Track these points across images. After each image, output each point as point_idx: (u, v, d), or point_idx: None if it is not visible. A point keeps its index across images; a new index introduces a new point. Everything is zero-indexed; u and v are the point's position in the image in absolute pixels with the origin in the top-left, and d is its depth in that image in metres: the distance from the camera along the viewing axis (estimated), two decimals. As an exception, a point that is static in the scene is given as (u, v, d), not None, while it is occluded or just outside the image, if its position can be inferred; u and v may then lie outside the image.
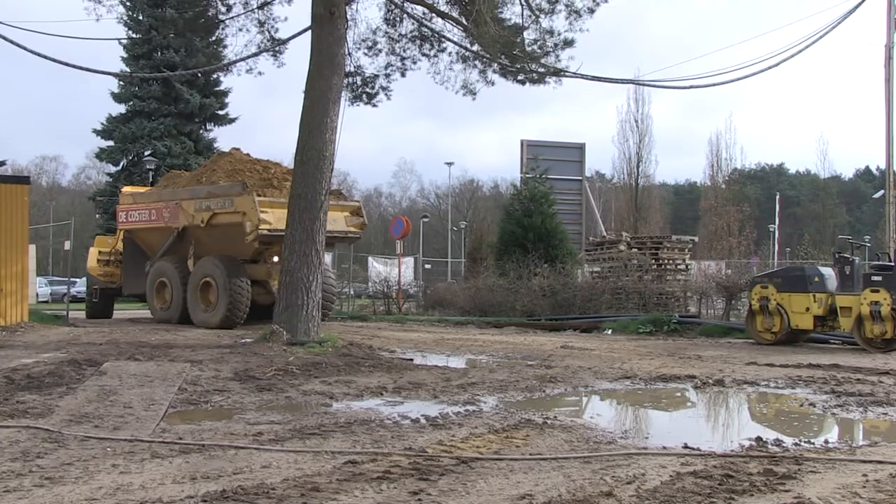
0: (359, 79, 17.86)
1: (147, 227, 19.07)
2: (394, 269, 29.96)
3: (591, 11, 16.39)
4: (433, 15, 17.34)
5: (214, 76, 39.10)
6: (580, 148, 30.63)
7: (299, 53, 13.96)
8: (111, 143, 40.46)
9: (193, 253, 18.08)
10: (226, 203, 17.01)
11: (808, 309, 14.28)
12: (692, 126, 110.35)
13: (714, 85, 20.59)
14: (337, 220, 17.58)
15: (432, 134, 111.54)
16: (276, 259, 17.11)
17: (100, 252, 21.03)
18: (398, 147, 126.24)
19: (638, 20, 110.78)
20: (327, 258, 19.36)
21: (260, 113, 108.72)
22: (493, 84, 17.71)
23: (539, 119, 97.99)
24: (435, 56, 17.72)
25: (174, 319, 18.19)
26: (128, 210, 19.59)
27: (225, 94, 41.62)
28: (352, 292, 31.22)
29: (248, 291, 17.09)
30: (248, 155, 19.18)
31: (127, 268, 20.10)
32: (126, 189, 21.81)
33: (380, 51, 17.80)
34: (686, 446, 5.94)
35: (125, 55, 39.90)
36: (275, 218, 16.16)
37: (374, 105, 18.20)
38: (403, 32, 17.77)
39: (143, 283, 19.35)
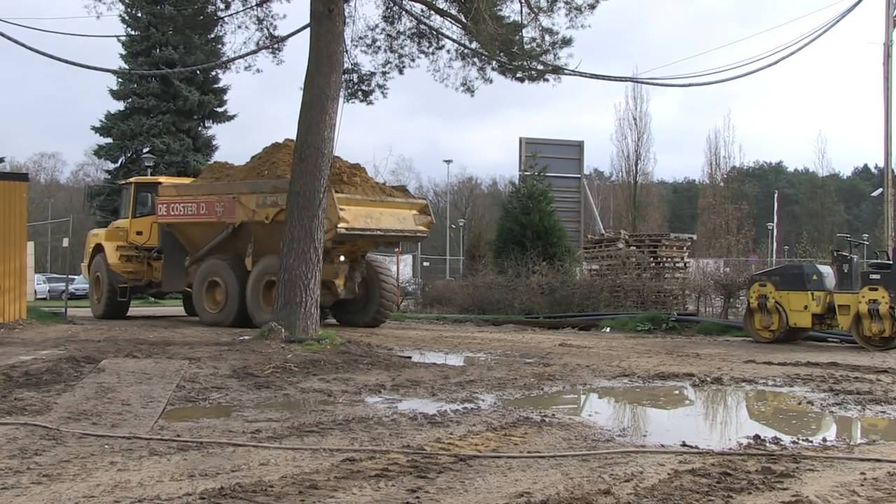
0: (355, 76, 17.83)
1: (192, 221, 17.65)
2: (392, 267, 29.94)
3: (592, 8, 16.35)
4: (432, 12, 17.32)
5: (213, 73, 38.99)
6: (579, 145, 30.62)
7: (299, 51, 13.90)
8: (109, 140, 40.33)
9: (253, 251, 16.75)
10: None
11: (806, 307, 14.30)
12: (693, 123, 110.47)
13: (712, 83, 20.61)
14: (405, 219, 17.12)
15: (434, 131, 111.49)
16: (342, 259, 16.77)
17: (118, 247, 19.60)
18: (399, 145, 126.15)
19: (642, 18, 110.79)
20: (381, 258, 18.60)
21: (262, 109, 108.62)
22: (491, 81, 17.69)
23: (541, 116, 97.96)
24: (433, 53, 17.70)
25: (227, 321, 16.81)
26: (170, 203, 17.96)
27: (224, 91, 41.51)
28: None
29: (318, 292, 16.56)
30: None
31: (168, 264, 18.72)
32: (167, 180, 20.41)
33: (378, 48, 17.78)
34: (684, 444, 5.95)
35: (124, 52, 39.77)
36: (351, 215, 15.66)
37: (371, 102, 18.15)
38: (402, 30, 17.75)
39: (183, 279, 18.49)
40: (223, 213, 17.03)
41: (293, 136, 13.94)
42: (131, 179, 21.46)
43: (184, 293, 20.45)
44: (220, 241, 17.26)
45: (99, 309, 19.76)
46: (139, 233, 19.71)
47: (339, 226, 15.34)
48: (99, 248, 19.91)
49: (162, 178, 21.32)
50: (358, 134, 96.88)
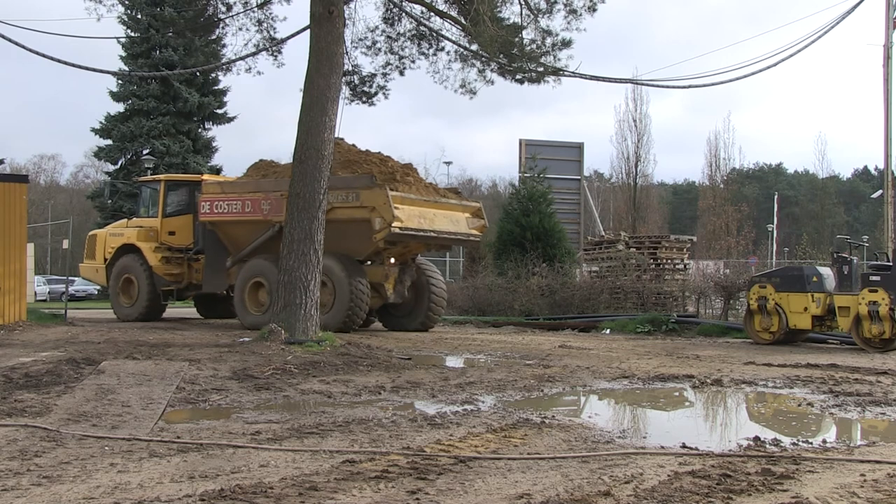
0: (356, 78, 17.86)
1: (237, 219, 16.96)
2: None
3: (591, 10, 16.39)
4: (432, 14, 17.35)
5: (213, 75, 39.01)
6: (579, 147, 30.65)
7: (301, 52, 13.88)
8: (109, 141, 40.37)
9: None
10: (350, 197, 15.36)
11: (806, 309, 14.30)
12: (697, 124, 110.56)
13: (712, 84, 20.69)
14: (459, 222, 16.62)
15: (436, 133, 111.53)
16: (392, 260, 16.31)
17: (156, 247, 18.68)
18: (401, 146, 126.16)
19: (647, 20, 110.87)
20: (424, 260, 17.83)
21: (266, 111, 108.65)
22: (491, 83, 17.74)
23: (544, 118, 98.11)
24: (433, 55, 17.74)
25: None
26: (213, 200, 17.21)
27: (224, 92, 41.56)
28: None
29: (368, 294, 15.73)
30: (354, 146, 17.43)
31: (209, 264, 18.04)
32: (210, 177, 19.65)
33: (378, 50, 17.82)
34: (684, 446, 5.95)
35: (124, 54, 39.83)
36: (405, 215, 15.16)
37: (372, 104, 18.19)
38: (402, 31, 17.79)
39: (224, 280, 17.81)
40: (269, 211, 16.40)
41: (303, 137, 13.51)
42: (160, 177, 20.53)
43: (198, 294, 19.71)
44: (265, 240, 16.63)
45: (134, 312, 18.83)
46: (172, 233, 18.94)
47: (393, 225, 14.82)
48: (129, 249, 19.00)
49: (206, 176, 20.26)
50: (360, 136, 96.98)
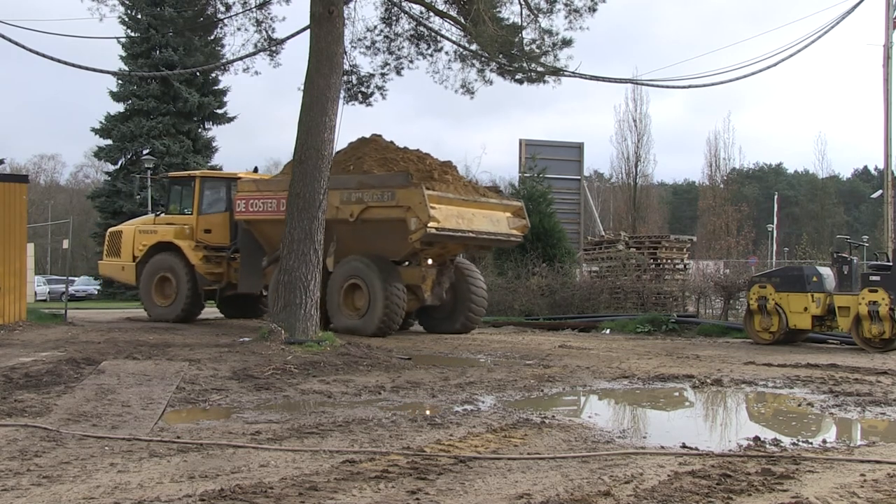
0: (354, 77, 17.86)
1: (272, 218, 16.22)
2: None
3: (591, 10, 16.41)
4: (431, 14, 17.36)
5: (213, 75, 39.05)
6: (579, 147, 30.64)
7: (301, 52, 13.84)
8: (109, 141, 40.42)
9: (335, 250, 15.65)
10: (385, 196, 14.82)
11: (806, 309, 14.30)
12: (697, 124, 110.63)
13: (712, 84, 20.66)
14: (499, 222, 15.98)
15: (438, 133, 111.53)
16: (430, 261, 15.76)
17: (195, 246, 18.03)
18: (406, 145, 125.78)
19: (649, 19, 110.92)
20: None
21: (268, 111, 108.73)
22: (491, 83, 17.76)
23: (546, 118, 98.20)
24: (432, 55, 17.76)
25: None
26: (248, 199, 16.73)
27: (223, 92, 41.60)
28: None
29: (404, 299, 15.15)
30: (392, 143, 16.80)
31: (245, 264, 17.47)
32: (246, 175, 19.00)
33: (377, 50, 17.83)
34: (684, 446, 5.95)
35: (124, 54, 39.87)
36: (442, 215, 14.55)
37: (370, 104, 18.18)
38: (400, 31, 17.81)
39: (260, 280, 17.28)
40: None
41: (303, 137, 13.34)
42: (195, 172, 19.83)
43: (218, 292, 18.85)
44: None
45: (171, 313, 18.05)
46: (207, 230, 18.31)
47: (429, 225, 14.30)
48: (165, 247, 18.29)
49: (242, 173, 19.40)
50: (361, 135, 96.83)
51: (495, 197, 16.69)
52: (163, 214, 19.23)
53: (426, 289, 15.79)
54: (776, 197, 61.15)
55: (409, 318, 16.56)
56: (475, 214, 15.48)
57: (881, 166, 26.45)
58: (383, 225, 15.01)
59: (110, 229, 20.70)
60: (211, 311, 19.95)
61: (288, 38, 17.08)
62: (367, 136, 16.72)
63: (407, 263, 15.87)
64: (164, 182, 22.21)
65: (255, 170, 20.26)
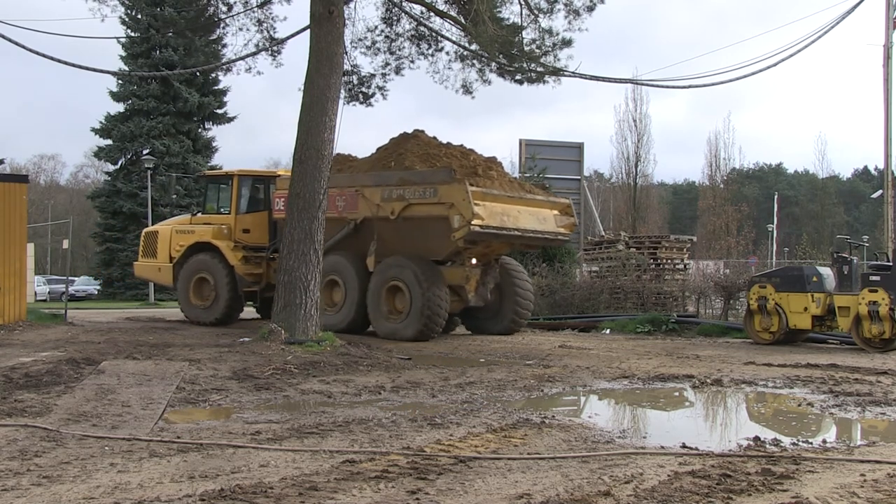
0: (355, 78, 17.84)
1: None
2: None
3: (589, 10, 16.40)
4: (431, 14, 17.36)
5: (213, 75, 39.04)
6: (578, 147, 30.61)
7: (300, 52, 13.79)
8: (109, 141, 40.44)
9: (375, 249, 15.29)
10: (427, 192, 14.33)
11: (806, 309, 14.30)
12: (698, 124, 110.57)
13: (712, 84, 20.71)
14: (546, 220, 15.39)
15: (441, 132, 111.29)
16: (474, 261, 15.27)
17: (234, 246, 17.50)
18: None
19: (652, 19, 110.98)
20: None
21: (271, 111, 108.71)
22: (490, 83, 17.74)
23: (547, 118, 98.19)
24: (433, 55, 17.75)
25: (343, 324, 15.26)
26: (287, 197, 15.57)
27: (224, 92, 41.62)
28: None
29: (447, 301, 14.64)
30: (434, 138, 16.31)
31: None
32: (285, 173, 18.10)
33: (378, 50, 17.82)
34: (684, 446, 5.95)
35: (124, 54, 39.90)
36: (487, 213, 14.04)
37: (370, 105, 18.15)
38: (401, 31, 17.80)
39: None
40: (345, 207, 15.53)
41: (303, 137, 13.20)
42: (232, 171, 19.00)
43: (258, 293, 17.97)
44: (340, 238, 15.72)
45: (210, 315, 17.49)
46: (246, 230, 17.83)
47: (472, 223, 13.75)
48: (202, 247, 17.83)
49: (280, 171, 18.92)
50: (363, 135, 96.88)
51: (542, 194, 16.16)
52: (199, 214, 18.86)
53: (470, 289, 15.30)
54: (776, 197, 61.18)
55: (452, 320, 16.12)
56: (521, 212, 14.94)
57: (881, 166, 26.47)
58: (425, 223, 14.56)
59: (146, 230, 20.27)
60: (248, 312, 19.37)
61: (289, 37, 17.09)
62: (409, 131, 16.32)
63: (450, 263, 15.34)
64: (201, 181, 21.58)
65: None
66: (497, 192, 14.55)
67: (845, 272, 14.30)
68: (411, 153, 15.42)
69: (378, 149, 16.48)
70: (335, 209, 15.44)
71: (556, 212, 15.77)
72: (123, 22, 38.97)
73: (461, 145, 16.15)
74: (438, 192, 14.21)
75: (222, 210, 18.29)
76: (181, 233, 18.43)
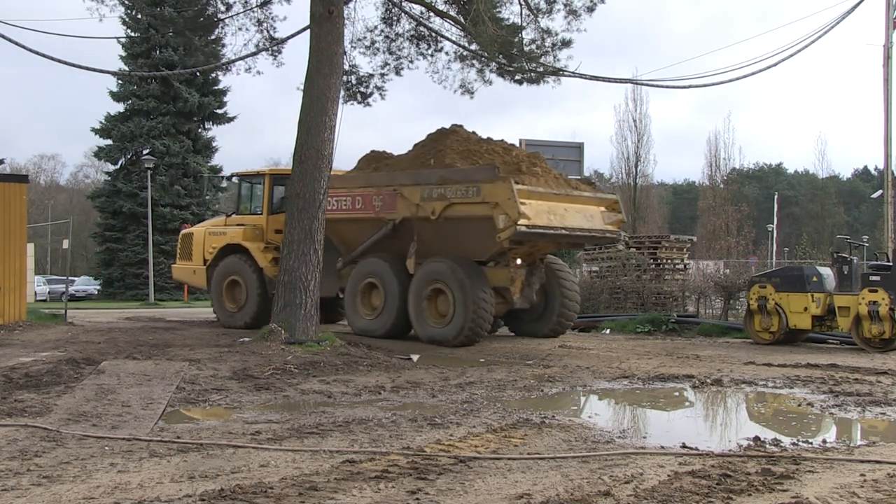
0: (353, 78, 17.83)
1: (347, 217, 15.32)
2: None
3: (589, 10, 16.42)
4: (431, 14, 17.36)
5: (213, 75, 38.98)
6: (579, 147, 30.61)
7: (301, 52, 13.77)
8: (109, 141, 40.39)
9: (415, 251, 14.63)
10: (469, 191, 13.69)
11: (806, 309, 14.30)
12: (698, 124, 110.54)
13: (712, 84, 20.71)
14: (594, 217, 14.76)
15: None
16: (519, 261, 14.55)
17: (265, 248, 16.92)
18: (407, 147, 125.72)
19: (652, 19, 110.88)
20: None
21: (273, 110, 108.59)
22: (490, 83, 17.75)
23: (547, 118, 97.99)
24: (432, 55, 17.76)
25: (382, 330, 14.79)
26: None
27: (224, 92, 41.57)
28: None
29: (492, 305, 14.01)
30: (473, 133, 15.63)
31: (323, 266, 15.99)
32: None
33: (377, 50, 17.82)
34: (684, 446, 5.95)
35: (123, 54, 39.86)
36: (533, 211, 13.36)
37: (369, 105, 18.13)
38: (400, 31, 17.80)
39: (335, 283, 16.12)
40: (382, 207, 14.89)
41: (303, 137, 13.12)
42: (264, 170, 18.30)
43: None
44: (377, 239, 15.13)
45: (241, 318, 16.85)
46: (279, 231, 16.32)
47: (519, 223, 13.06)
48: (234, 249, 17.36)
49: None
50: (364, 135, 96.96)
51: (588, 190, 15.59)
52: (234, 215, 18.31)
53: (515, 291, 14.55)
54: (776, 197, 61.15)
55: (495, 322, 15.48)
56: (567, 209, 14.26)
57: (881, 166, 26.47)
58: (468, 223, 13.92)
59: (183, 231, 19.87)
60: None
61: (289, 37, 17.08)
62: (447, 126, 15.71)
63: (493, 264, 14.62)
64: (234, 181, 20.73)
65: (219, 171, 19.74)
66: (543, 190, 13.92)
67: (845, 272, 14.30)
68: (451, 150, 14.86)
69: (415, 145, 15.98)
70: (372, 209, 15.03)
71: (602, 208, 15.12)
72: (123, 22, 38.95)
73: (502, 140, 15.55)
74: (482, 190, 13.57)
75: (256, 210, 17.72)
76: (214, 234, 18.03)
